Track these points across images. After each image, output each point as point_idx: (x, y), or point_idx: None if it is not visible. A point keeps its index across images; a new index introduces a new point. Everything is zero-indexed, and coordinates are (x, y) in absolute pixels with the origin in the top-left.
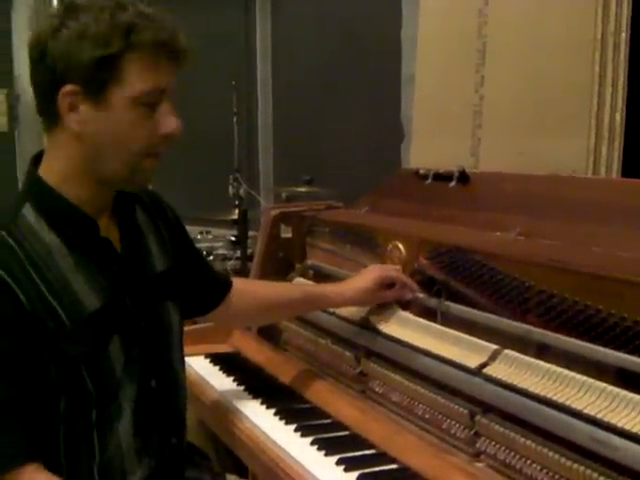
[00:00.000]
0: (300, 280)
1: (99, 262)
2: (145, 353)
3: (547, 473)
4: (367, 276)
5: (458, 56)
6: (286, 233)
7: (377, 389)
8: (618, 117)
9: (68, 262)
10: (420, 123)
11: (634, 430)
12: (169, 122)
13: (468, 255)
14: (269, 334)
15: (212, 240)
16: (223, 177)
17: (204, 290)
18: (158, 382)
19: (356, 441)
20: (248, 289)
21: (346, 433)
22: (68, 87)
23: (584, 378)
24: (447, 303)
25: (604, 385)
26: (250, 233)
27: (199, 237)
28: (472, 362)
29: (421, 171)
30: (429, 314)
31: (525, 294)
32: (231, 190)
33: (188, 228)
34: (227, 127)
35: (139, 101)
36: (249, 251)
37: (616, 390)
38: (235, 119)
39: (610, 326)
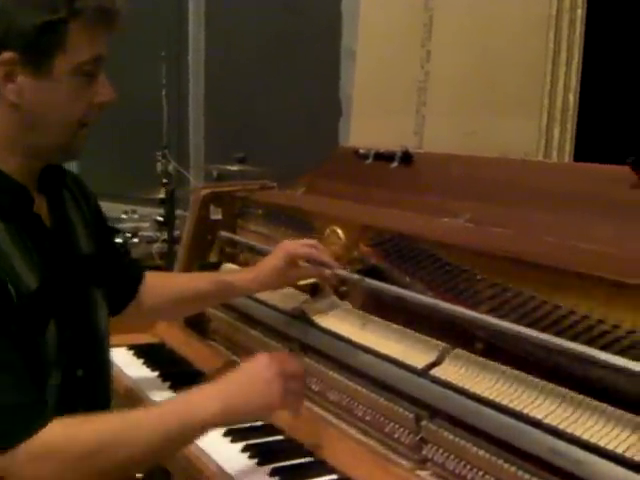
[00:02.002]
0: (228, 266)
1: (33, 238)
2: (74, 339)
3: None
4: (276, 254)
5: (403, 30)
6: (216, 214)
7: (313, 387)
8: (571, 98)
9: (4, 237)
10: (361, 100)
11: (600, 443)
12: (106, 91)
13: (414, 243)
14: (195, 323)
15: (138, 220)
16: (151, 153)
17: (118, 284)
18: (85, 371)
19: (291, 447)
20: (155, 283)
21: (280, 437)
22: (6, 55)
23: (543, 382)
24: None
25: (565, 391)
26: (178, 212)
27: (124, 216)
28: (419, 361)
29: (361, 150)
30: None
31: (476, 286)
32: (159, 167)
33: (113, 206)
34: (155, 100)
35: (81, 70)
36: (176, 233)
37: (579, 397)
38: (164, 92)
39: (570, 324)
